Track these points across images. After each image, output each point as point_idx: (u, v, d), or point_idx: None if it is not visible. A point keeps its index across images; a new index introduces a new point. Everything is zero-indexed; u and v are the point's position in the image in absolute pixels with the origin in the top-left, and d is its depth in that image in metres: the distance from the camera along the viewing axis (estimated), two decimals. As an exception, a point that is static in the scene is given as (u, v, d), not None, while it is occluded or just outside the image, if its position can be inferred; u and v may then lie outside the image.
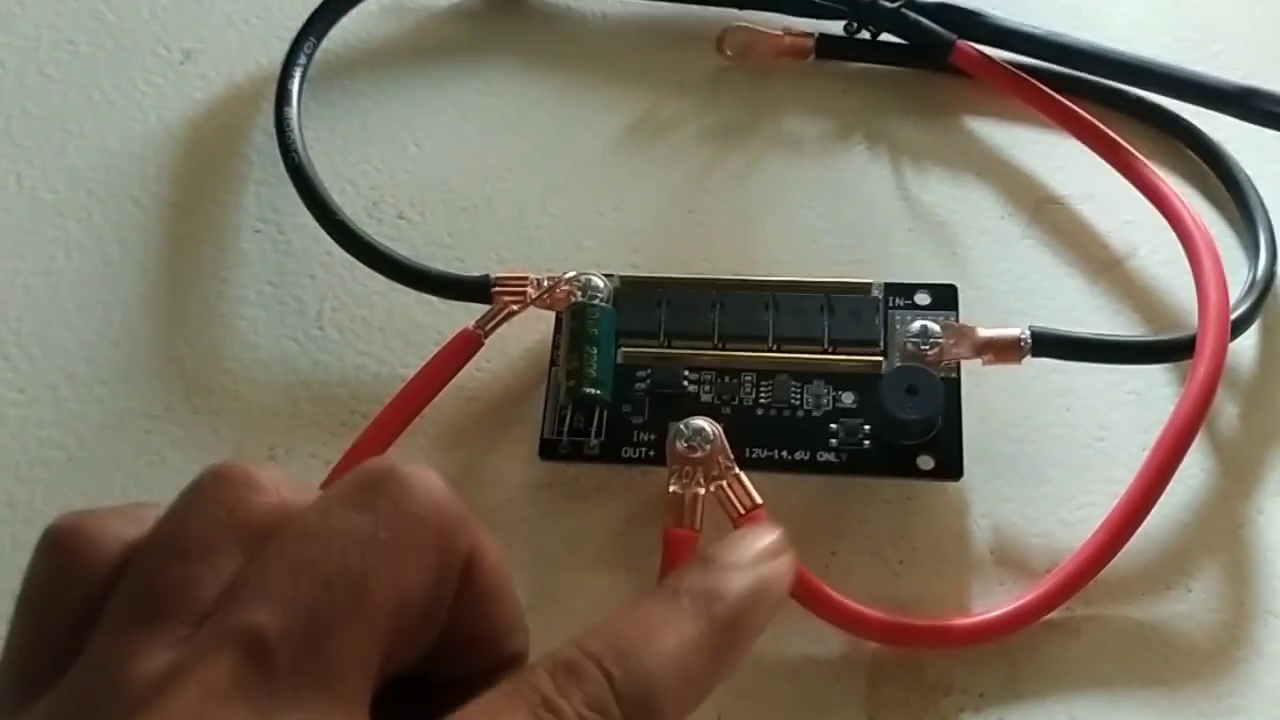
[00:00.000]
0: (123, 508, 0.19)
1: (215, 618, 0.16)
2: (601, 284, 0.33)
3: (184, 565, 0.17)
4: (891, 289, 0.33)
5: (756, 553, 0.21)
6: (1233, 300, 0.32)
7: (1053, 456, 0.32)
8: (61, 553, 0.18)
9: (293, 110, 0.37)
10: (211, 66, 0.41)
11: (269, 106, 0.38)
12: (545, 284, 0.33)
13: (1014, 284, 0.35)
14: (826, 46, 0.39)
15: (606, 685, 0.17)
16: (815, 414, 0.32)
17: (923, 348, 0.32)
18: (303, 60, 0.39)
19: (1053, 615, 0.30)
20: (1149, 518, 0.30)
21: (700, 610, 0.19)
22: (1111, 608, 0.30)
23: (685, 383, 0.32)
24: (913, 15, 0.38)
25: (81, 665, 0.16)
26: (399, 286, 0.35)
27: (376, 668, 0.16)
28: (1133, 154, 0.35)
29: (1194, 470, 0.32)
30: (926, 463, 0.31)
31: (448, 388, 0.33)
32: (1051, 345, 0.32)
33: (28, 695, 0.16)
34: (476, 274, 0.34)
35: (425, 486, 0.17)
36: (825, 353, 0.32)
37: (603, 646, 0.17)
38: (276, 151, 0.37)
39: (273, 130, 0.37)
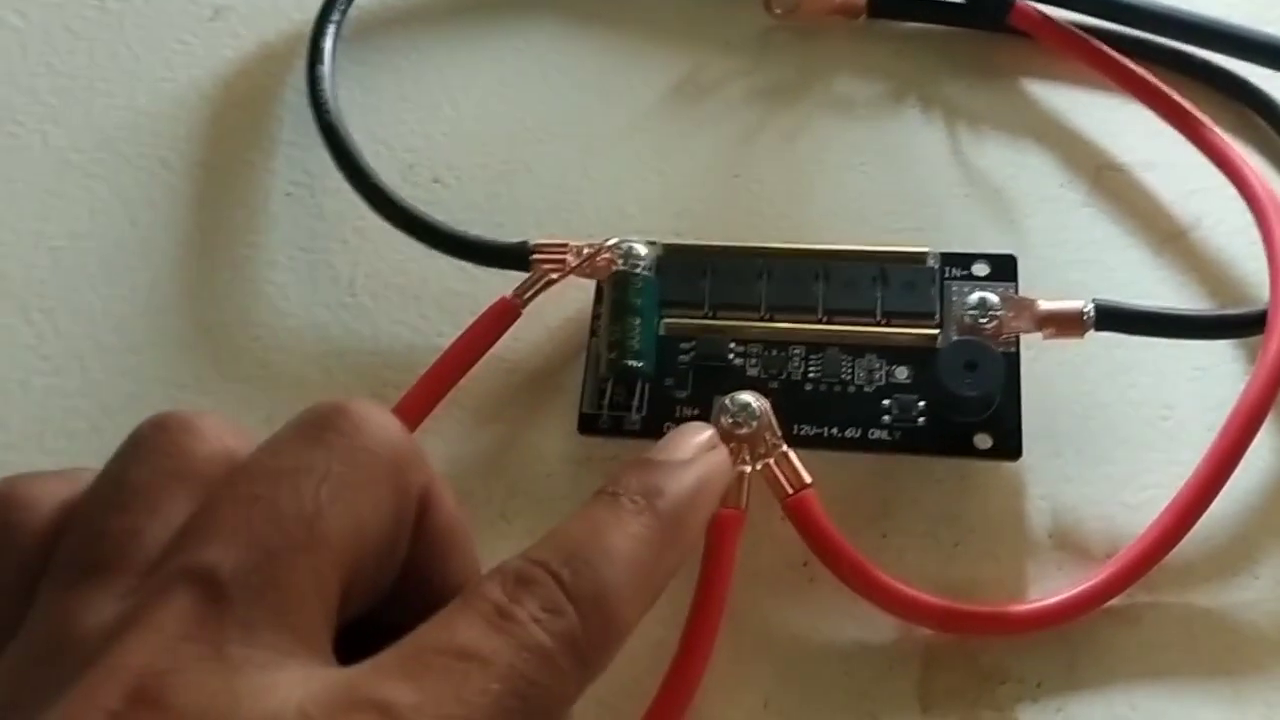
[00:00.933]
0: (60, 470, 0.18)
1: (163, 562, 0.16)
2: (644, 252, 0.32)
3: (126, 515, 0.16)
4: (948, 259, 0.32)
5: (692, 448, 0.22)
6: (1307, 272, 0.31)
7: (1115, 435, 0.31)
8: None
9: (325, 69, 0.36)
10: (242, 23, 0.39)
11: (301, 65, 0.37)
12: (586, 251, 0.32)
13: (1074, 254, 0.34)
14: (880, 5, 0.38)
15: (558, 587, 0.17)
16: (867, 389, 0.30)
17: (981, 321, 0.30)
18: (336, 16, 0.38)
19: (1114, 602, 0.29)
20: (1216, 501, 0.28)
21: (642, 507, 0.19)
22: (1175, 595, 0.29)
23: (731, 355, 0.31)
24: (971, -28, 0.36)
25: (27, 627, 0.16)
26: (434, 253, 0.34)
27: (335, 601, 0.16)
28: (1199, 119, 0.34)
29: (1263, 452, 0.30)
30: (984, 441, 0.30)
31: (484, 358, 0.32)
32: (1116, 319, 0.30)
33: None
34: (514, 240, 0.33)
35: (377, 422, 0.17)
36: (878, 325, 0.31)
37: (550, 553, 0.17)
38: (309, 111, 0.36)
39: (305, 89, 0.36)
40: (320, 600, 0.16)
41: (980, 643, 0.29)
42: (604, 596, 0.17)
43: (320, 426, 0.17)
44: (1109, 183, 0.35)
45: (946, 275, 0.32)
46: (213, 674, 0.14)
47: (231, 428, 0.18)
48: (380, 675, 0.15)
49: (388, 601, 0.18)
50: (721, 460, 0.22)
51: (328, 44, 0.37)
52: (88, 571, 0.16)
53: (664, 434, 0.30)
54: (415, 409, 0.31)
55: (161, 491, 0.17)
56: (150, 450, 0.17)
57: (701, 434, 0.22)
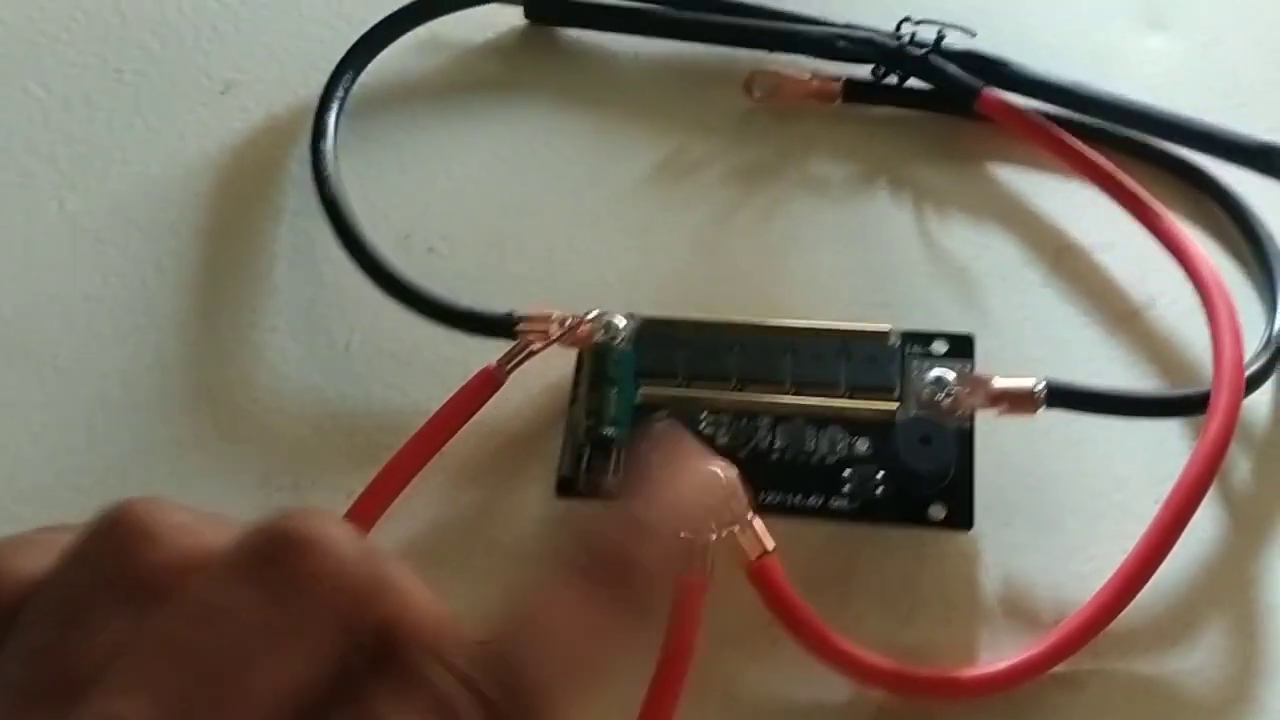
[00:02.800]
0: (29, 538, 0.18)
1: (84, 706, 0.15)
2: (623, 324, 0.33)
3: (64, 632, 0.16)
4: (909, 337, 0.33)
5: (671, 499, 0.19)
6: (1249, 355, 0.32)
7: (1066, 506, 0.33)
8: None
9: (328, 143, 0.38)
10: (252, 98, 0.41)
11: (306, 138, 0.39)
12: (568, 322, 0.34)
13: (1032, 332, 0.35)
14: (854, 90, 0.39)
15: (483, 715, 0.15)
16: (830, 460, 0.32)
17: (938, 397, 0.32)
18: (340, 94, 0.40)
19: (1059, 668, 0.30)
20: (1158, 572, 0.30)
21: (605, 585, 0.17)
22: (1119, 661, 0.30)
23: (702, 424, 0.33)
24: (939, 62, 0.38)
25: None
26: (426, 320, 0.35)
27: None
28: (1152, 205, 0.35)
29: (1205, 524, 0.32)
30: (938, 512, 0.31)
31: (468, 423, 0.33)
32: (1066, 398, 0.32)
33: None
34: (502, 310, 0.34)
35: (327, 552, 0.16)
36: (842, 398, 0.33)
37: (483, 669, 0.16)
38: (312, 183, 0.38)
39: (309, 161, 0.38)
40: None
41: (932, 705, 0.30)
42: (537, 714, 0.16)
43: (264, 557, 0.15)
44: (1068, 263, 0.37)
45: (907, 352, 0.33)
46: None
47: (192, 524, 0.17)
48: None
49: None
50: (702, 513, 0.19)
51: (331, 119, 0.39)
52: (24, 699, 0.15)
53: None
54: (400, 473, 0.32)
55: (104, 605, 0.16)
56: (99, 553, 0.16)
57: (691, 473, 0.20)
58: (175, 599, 0.15)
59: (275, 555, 0.15)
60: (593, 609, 0.17)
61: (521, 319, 0.34)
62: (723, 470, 0.29)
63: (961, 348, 0.33)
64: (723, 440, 0.32)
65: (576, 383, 0.34)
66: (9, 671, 0.15)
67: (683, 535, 0.18)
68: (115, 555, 0.16)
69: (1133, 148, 0.38)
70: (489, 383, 0.33)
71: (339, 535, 0.16)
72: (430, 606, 0.17)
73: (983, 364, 0.33)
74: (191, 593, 0.15)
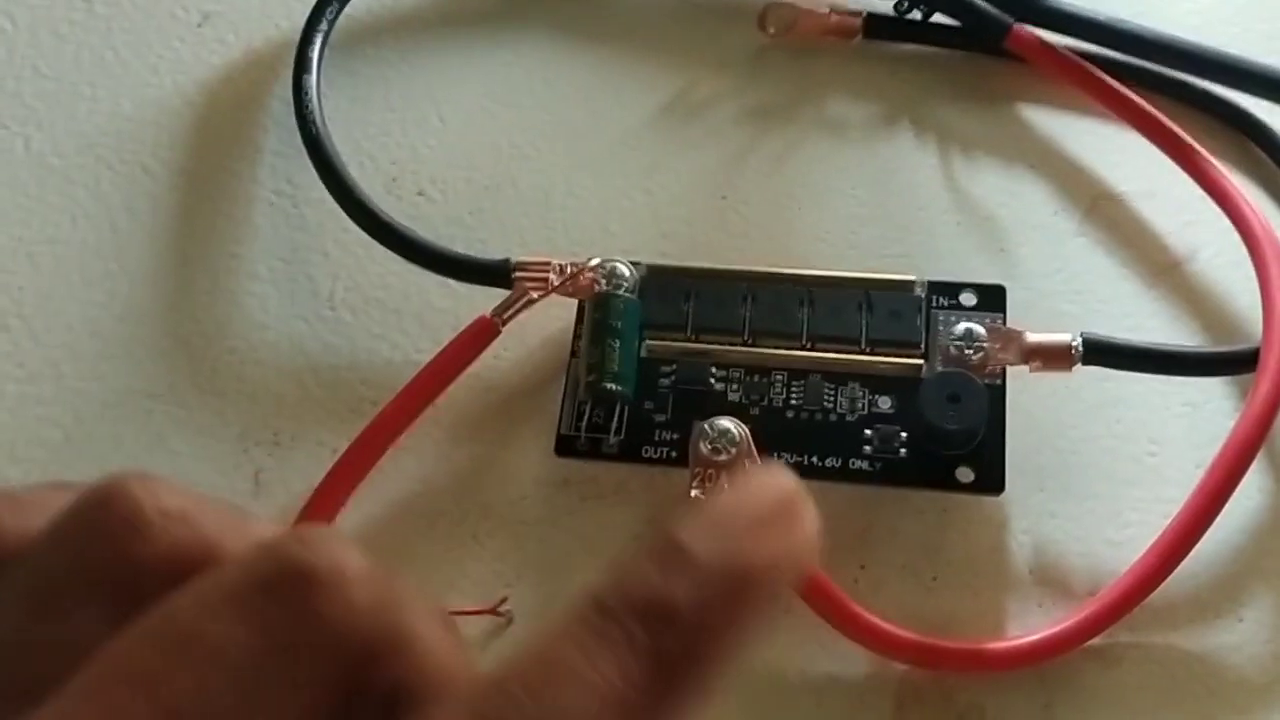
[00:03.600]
0: (34, 495, 0.16)
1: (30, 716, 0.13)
2: (627, 272, 0.32)
3: (31, 624, 0.14)
4: (935, 287, 0.31)
5: (748, 521, 0.14)
6: (1302, 310, 0.31)
7: (1100, 471, 0.31)
8: None
9: (312, 78, 0.36)
10: (230, 30, 0.39)
11: (288, 74, 0.37)
12: (568, 270, 0.32)
13: (1066, 285, 0.33)
14: (875, 26, 0.37)
15: None
16: (849, 418, 0.30)
17: (966, 352, 0.30)
18: (324, 26, 0.37)
19: (1094, 642, 0.28)
20: (1201, 541, 0.28)
21: (641, 647, 0.13)
22: (1157, 636, 0.29)
23: (712, 380, 0.31)
24: (967, -5, 0.36)
25: None
26: (416, 268, 0.33)
27: None
28: (1197, 149, 0.33)
29: (1251, 492, 0.30)
30: (966, 475, 0.29)
31: (462, 376, 0.31)
32: (1104, 354, 0.30)
33: None
34: (497, 257, 0.32)
35: (340, 594, 0.13)
36: (862, 353, 0.31)
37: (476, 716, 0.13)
38: (294, 121, 0.36)
39: (290, 98, 0.36)
40: None
41: (956, 680, 0.28)
42: None
43: (271, 591, 0.13)
44: (1104, 212, 0.35)
45: (933, 304, 0.31)
46: None
47: (188, 522, 0.15)
48: None
49: None
50: (797, 543, 0.14)
51: (315, 53, 0.37)
52: None
53: (642, 458, 0.30)
54: (390, 427, 0.31)
55: (77, 600, 0.14)
56: (84, 538, 0.14)
57: (769, 493, 0.14)
58: (156, 614, 0.13)
59: (279, 590, 0.13)
60: (612, 667, 0.13)
61: (519, 266, 0.32)
62: (735, 427, 0.28)
63: (992, 300, 0.31)
64: (734, 396, 0.31)
65: (577, 335, 0.32)
66: None
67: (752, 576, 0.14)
68: (99, 543, 0.14)
69: (1174, 88, 0.36)
70: (484, 333, 0.31)
71: (357, 573, 0.13)
72: (451, 661, 0.14)
73: (1014, 318, 0.31)
74: (175, 614, 0.13)
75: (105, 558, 0.14)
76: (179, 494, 0.15)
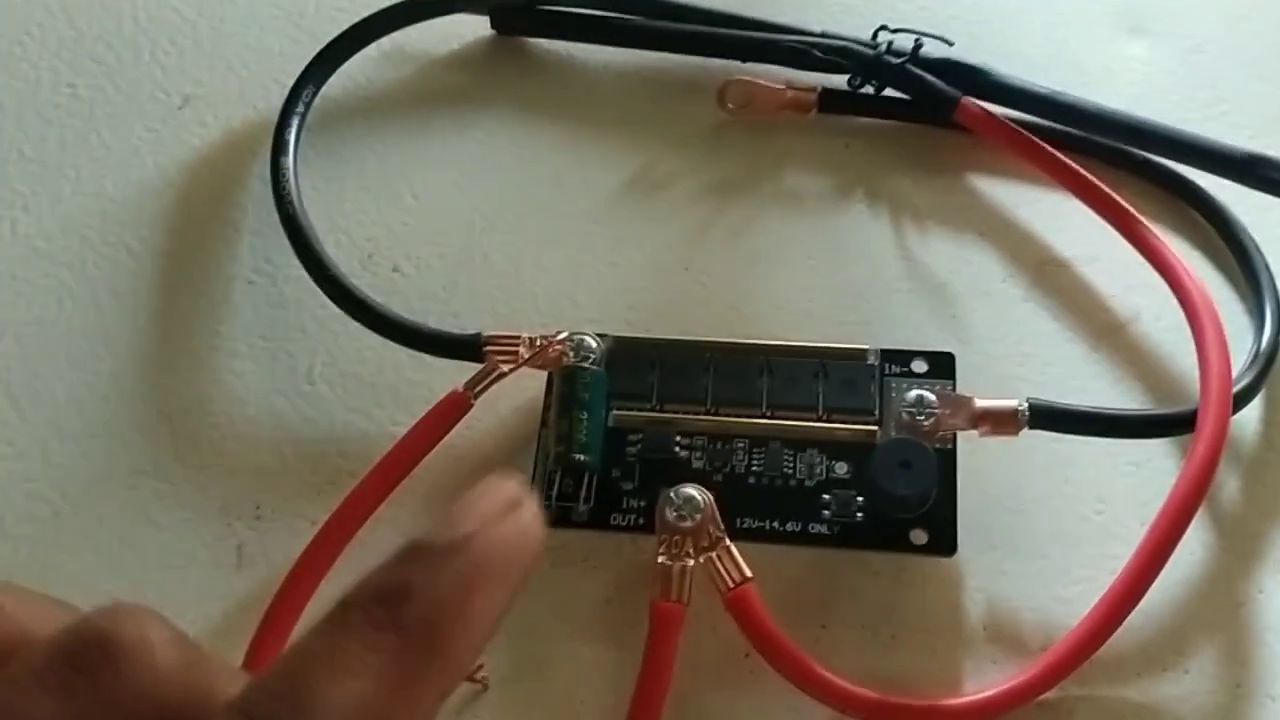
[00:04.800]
0: (48, 608, 0.16)
1: None
2: (594, 344, 0.33)
3: None
4: (888, 355, 0.33)
5: (476, 518, 0.16)
6: (1237, 371, 0.32)
7: (1050, 529, 0.32)
8: None
9: (289, 159, 0.37)
10: (210, 112, 0.40)
11: (266, 154, 0.38)
12: (537, 344, 0.33)
13: (1014, 348, 0.35)
14: (830, 101, 0.39)
15: None
16: (808, 484, 0.31)
17: (918, 418, 0.31)
18: (301, 108, 0.39)
19: (1046, 695, 0.29)
20: (1147, 595, 0.29)
21: (379, 620, 0.14)
22: (1107, 688, 0.30)
23: (677, 449, 0.32)
24: (917, 71, 0.37)
25: None
26: (391, 342, 0.34)
27: None
28: (1136, 217, 0.35)
29: (1194, 546, 0.31)
30: (919, 537, 0.30)
31: (436, 448, 0.32)
32: (1049, 418, 0.31)
33: None
34: (470, 331, 0.34)
35: (142, 662, 0.14)
36: (819, 420, 0.32)
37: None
38: (272, 200, 0.37)
39: (269, 178, 0.37)
40: None
41: (915, 735, 0.29)
42: None
43: (74, 664, 0.14)
44: (1050, 277, 0.36)
45: (886, 372, 0.32)
46: None
47: (10, 611, 0.15)
48: None
49: None
50: (518, 528, 0.16)
51: (291, 135, 0.38)
52: None
53: (610, 525, 0.31)
54: (368, 499, 0.31)
55: None
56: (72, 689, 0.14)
57: (493, 494, 0.16)
58: None
59: (85, 662, 0.14)
60: (357, 648, 0.14)
61: (489, 340, 0.33)
62: (699, 494, 0.29)
63: (942, 366, 0.33)
64: (698, 464, 0.32)
65: (547, 405, 0.33)
66: None
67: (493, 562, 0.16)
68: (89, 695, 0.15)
69: (1115, 158, 0.37)
70: (457, 406, 0.32)
71: (160, 641, 0.14)
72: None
73: (964, 383, 0.32)
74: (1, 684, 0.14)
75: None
76: (11, 588, 0.16)
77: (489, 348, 0.33)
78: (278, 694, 0.14)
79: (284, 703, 0.14)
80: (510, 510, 0.16)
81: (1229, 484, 0.32)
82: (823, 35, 0.39)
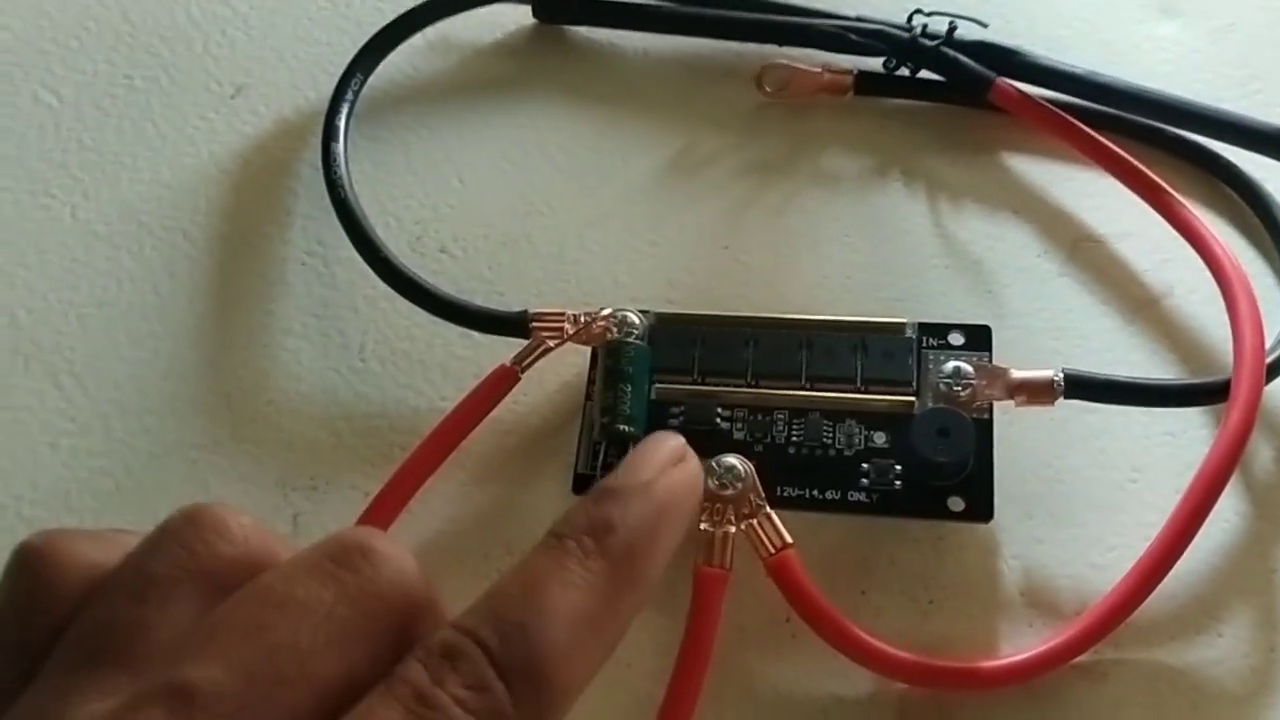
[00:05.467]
0: (98, 532, 0.19)
1: (154, 671, 0.16)
2: (637, 320, 0.34)
3: (138, 608, 0.17)
4: (925, 329, 0.33)
5: (653, 466, 0.20)
6: (1270, 343, 0.32)
7: (1085, 498, 0.32)
8: (30, 576, 0.18)
9: (339, 145, 0.38)
10: (262, 101, 0.42)
11: (316, 141, 0.39)
12: (582, 320, 0.34)
13: (1049, 322, 0.35)
14: (865, 83, 0.39)
15: (485, 659, 0.16)
16: (847, 453, 0.32)
17: (955, 389, 0.32)
18: (350, 96, 0.40)
19: (1081, 659, 0.29)
20: (1180, 561, 0.29)
21: (589, 549, 0.18)
22: (1141, 652, 0.30)
23: (718, 420, 0.33)
24: (952, 53, 0.38)
25: (24, 699, 0.16)
26: (439, 320, 0.35)
27: None
28: (1169, 192, 0.35)
29: (1227, 514, 0.32)
30: (957, 504, 0.31)
31: (484, 421, 0.33)
32: (1084, 388, 0.32)
33: None
34: (515, 309, 0.34)
35: (395, 566, 0.17)
36: (858, 392, 0.33)
37: (480, 619, 0.16)
38: (323, 185, 0.38)
39: (320, 164, 0.38)
40: None
41: (953, 697, 0.30)
42: (537, 663, 0.16)
43: (339, 561, 0.17)
44: (1085, 253, 0.36)
45: (924, 345, 0.33)
46: None
47: (259, 532, 0.18)
48: None
49: None
50: (687, 476, 0.20)
51: (341, 122, 0.39)
52: (90, 659, 0.16)
53: None
54: (417, 472, 0.32)
55: (178, 588, 0.17)
56: (176, 543, 0.17)
57: (664, 447, 0.20)
58: (250, 586, 0.17)
59: (348, 560, 0.17)
60: (576, 567, 0.18)
61: (535, 317, 0.34)
62: (740, 463, 0.30)
63: (978, 339, 0.33)
64: (739, 435, 0.32)
65: (591, 380, 0.34)
66: (80, 634, 0.17)
67: (661, 499, 0.19)
68: (190, 544, 0.17)
69: (1148, 135, 0.38)
70: (506, 380, 0.33)
71: (402, 553, 0.17)
72: None
73: (1000, 355, 0.33)
74: (267, 582, 0.17)
75: (197, 554, 0.17)
76: (248, 514, 0.18)
77: (535, 324, 0.34)
78: (517, 597, 0.17)
79: (523, 604, 0.17)
80: (678, 461, 0.20)
81: (1262, 453, 0.33)
82: (858, 19, 0.40)
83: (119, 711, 0.15)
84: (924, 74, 0.39)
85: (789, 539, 0.30)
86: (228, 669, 0.15)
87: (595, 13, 0.42)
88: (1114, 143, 0.36)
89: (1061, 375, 0.31)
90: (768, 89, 0.40)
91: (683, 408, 0.33)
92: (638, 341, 0.33)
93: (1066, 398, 0.32)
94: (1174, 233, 0.35)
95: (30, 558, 0.18)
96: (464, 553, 0.32)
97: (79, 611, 0.17)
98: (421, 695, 0.16)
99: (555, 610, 0.17)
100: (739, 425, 0.33)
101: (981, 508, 0.31)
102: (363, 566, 0.17)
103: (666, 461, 0.20)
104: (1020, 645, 0.30)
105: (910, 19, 0.39)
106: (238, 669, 0.15)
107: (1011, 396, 0.32)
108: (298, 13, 0.43)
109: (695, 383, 0.33)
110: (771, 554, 0.30)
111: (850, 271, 0.37)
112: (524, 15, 0.42)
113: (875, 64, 0.39)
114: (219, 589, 0.17)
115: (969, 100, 0.39)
